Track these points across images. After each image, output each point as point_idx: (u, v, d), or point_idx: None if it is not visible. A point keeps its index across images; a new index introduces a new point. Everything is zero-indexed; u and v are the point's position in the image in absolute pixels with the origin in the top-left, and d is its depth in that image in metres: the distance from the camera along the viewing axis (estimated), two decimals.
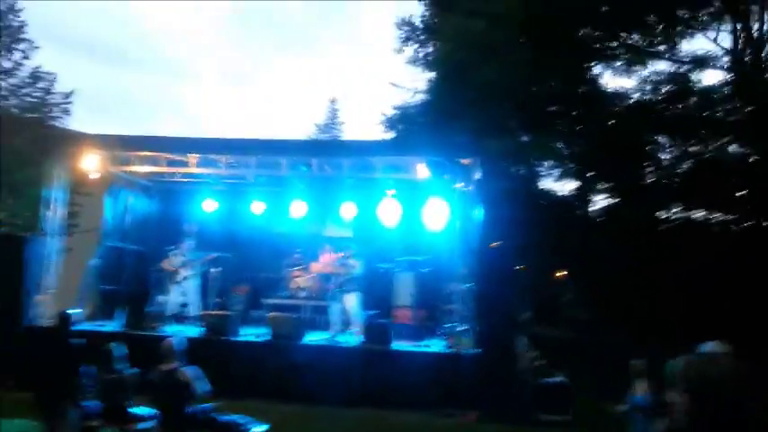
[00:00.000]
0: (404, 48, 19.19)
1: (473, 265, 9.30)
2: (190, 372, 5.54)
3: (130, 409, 5.97)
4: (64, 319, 5.62)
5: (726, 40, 14.29)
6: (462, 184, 9.35)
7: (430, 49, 18.88)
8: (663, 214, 16.92)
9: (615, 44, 14.89)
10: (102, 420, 5.83)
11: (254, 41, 66.10)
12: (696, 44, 14.61)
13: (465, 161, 9.22)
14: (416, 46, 19.36)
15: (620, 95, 16.03)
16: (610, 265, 15.31)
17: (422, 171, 10.07)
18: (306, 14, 64.98)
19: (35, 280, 9.99)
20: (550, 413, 8.39)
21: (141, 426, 5.91)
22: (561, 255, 16.74)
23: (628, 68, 15.49)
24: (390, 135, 16.87)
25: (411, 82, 18.84)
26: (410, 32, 19.33)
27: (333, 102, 34.73)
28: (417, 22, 19.19)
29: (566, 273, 20.34)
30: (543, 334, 11.46)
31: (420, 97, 18.39)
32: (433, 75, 18.31)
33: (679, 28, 14.02)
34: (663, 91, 15.21)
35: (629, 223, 15.75)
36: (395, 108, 18.74)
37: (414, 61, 19.17)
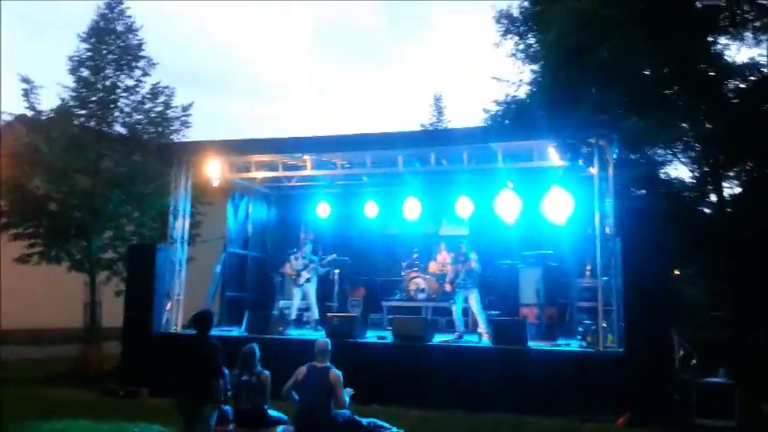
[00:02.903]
0: (503, 41, 18.57)
1: (609, 259, 8.59)
2: (339, 374, 5.37)
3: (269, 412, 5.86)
4: (205, 319, 5.55)
5: None
6: (596, 168, 8.66)
7: (531, 41, 18.16)
8: None
9: (742, 9, 13.55)
10: (235, 424, 5.73)
11: (338, 59, 67.14)
12: None
13: (601, 142, 8.54)
14: (516, 38, 18.68)
15: (749, 68, 14.62)
16: (745, 257, 13.97)
17: (547, 157, 9.48)
18: (382, 26, 65.05)
19: (165, 288, 10.26)
20: (711, 417, 7.53)
21: (280, 429, 5.76)
22: (691, 248, 15.44)
23: (758, 37, 14.10)
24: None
25: (514, 75, 18.21)
26: (509, 25, 18.67)
27: (437, 99, 31.08)
28: (516, 14, 18.55)
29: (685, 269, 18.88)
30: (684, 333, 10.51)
31: (525, 89, 17.72)
32: (535, 66, 17.64)
33: None
34: None
35: (758, 211, 14.35)
36: (498, 103, 18.18)
37: (514, 54, 18.51)
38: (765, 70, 14.49)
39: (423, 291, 11.69)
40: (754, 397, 8.44)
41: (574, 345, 8.97)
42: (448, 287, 10.06)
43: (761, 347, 12.75)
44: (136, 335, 9.81)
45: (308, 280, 11.00)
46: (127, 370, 9.65)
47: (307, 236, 12.85)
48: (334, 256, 11.52)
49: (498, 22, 18.59)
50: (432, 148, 10.35)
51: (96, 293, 12.16)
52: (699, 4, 14.16)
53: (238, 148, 10.94)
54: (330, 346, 5.80)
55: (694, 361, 8.34)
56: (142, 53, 12.96)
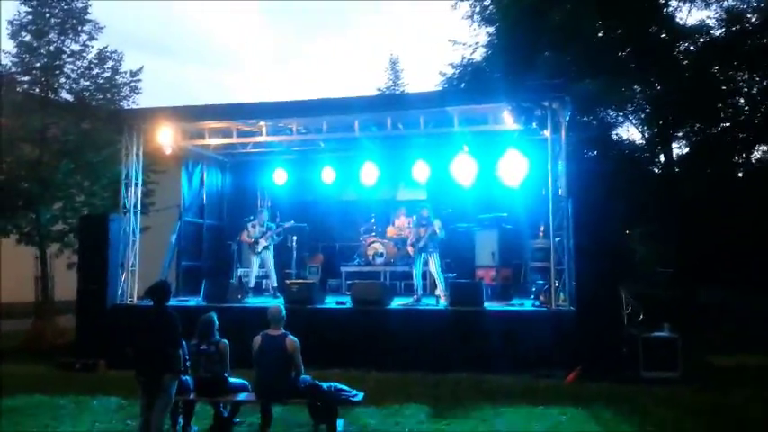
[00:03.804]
0: (460, 2, 18.49)
1: (561, 220, 8.79)
2: (296, 341, 5.39)
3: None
4: (163, 290, 5.49)
5: None
6: (549, 130, 8.78)
7: (487, 2, 18.12)
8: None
9: None
10: (196, 393, 5.75)
11: (291, 26, 65.60)
12: None
13: (554, 105, 8.63)
14: (472, 0, 18.61)
15: (698, 30, 14.94)
16: (692, 216, 14.49)
17: (502, 120, 9.56)
18: None
19: (119, 259, 10.08)
20: (656, 369, 7.88)
21: (241, 396, 5.80)
22: (640, 209, 15.90)
23: (707, 0, 14.40)
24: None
25: (471, 37, 18.19)
26: None
27: (394, 63, 31.00)
28: None
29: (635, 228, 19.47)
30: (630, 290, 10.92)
31: (481, 52, 17.74)
32: (491, 29, 17.65)
33: None
34: (749, 21, 14.05)
35: (707, 170, 14.86)
36: (454, 67, 18.19)
37: (471, 15, 18.47)
38: (715, 32, 14.87)
39: (381, 255, 11.78)
40: (696, 350, 8.90)
41: (528, 304, 9.22)
42: (410, 249, 10.11)
43: (703, 304, 13.38)
44: (90, 307, 9.61)
45: (265, 247, 10.96)
46: (82, 343, 9.48)
47: (263, 203, 12.74)
48: (292, 222, 11.46)
49: None
50: (388, 112, 10.27)
51: (47, 266, 11.84)
52: None
53: (191, 115, 10.65)
54: (284, 312, 5.76)
55: (641, 317, 8.66)
56: (88, 16, 12.39)
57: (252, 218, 11.21)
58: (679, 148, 16.49)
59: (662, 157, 15.94)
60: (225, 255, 12.46)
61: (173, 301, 9.68)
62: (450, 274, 10.75)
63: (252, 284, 11.06)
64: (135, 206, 10.54)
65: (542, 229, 10.32)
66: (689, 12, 14.89)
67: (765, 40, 13.92)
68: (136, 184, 10.58)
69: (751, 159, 16.37)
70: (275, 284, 10.94)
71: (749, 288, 14.46)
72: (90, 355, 9.07)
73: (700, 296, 13.86)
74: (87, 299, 9.68)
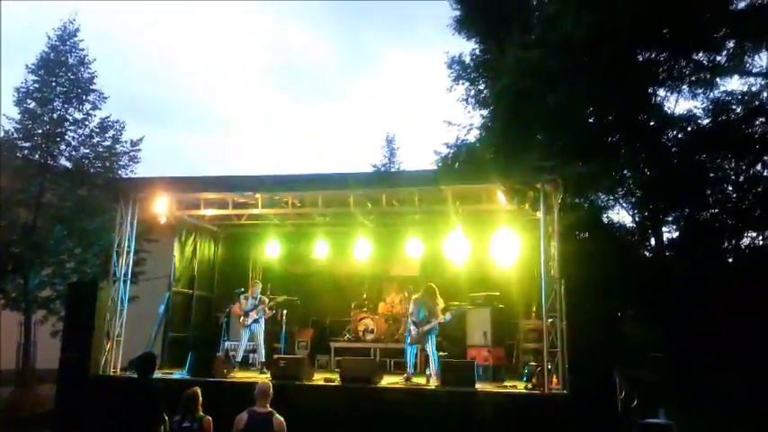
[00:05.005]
0: (455, 86, 19.05)
1: (554, 300, 8.76)
2: (282, 421, 5.24)
3: None
4: (148, 362, 5.38)
5: None
6: (542, 211, 8.90)
7: (482, 87, 18.70)
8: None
9: (679, 64, 14.36)
10: None
11: (289, 95, 67.69)
12: None
13: (547, 186, 8.79)
14: (467, 84, 19.20)
15: (686, 119, 15.42)
16: (683, 300, 14.47)
17: (496, 200, 9.69)
18: (333, 66, 66.12)
19: (105, 328, 9.90)
20: None
21: None
22: (632, 290, 15.89)
23: (694, 91, 14.93)
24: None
25: (465, 119, 18.64)
26: (461, 71, 19.19)
27: (390, 140, 31.18)
28: (468, 60, 19.09)
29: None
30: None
31: (475, 133, 18.15)
32: (485, 111, 18.14)
33: (749, 44, 13.42)
34: (734, 112, 14.54)
35: (696, 254, 14.94)
36: (449, 146, 18.53)
37: (465, 99, 18.99)
38: (701, 121, 15.35)
39: (371, 332, 11.64)
40: None
41: (520, 386, 9.03)
42: (414, 331, 9.85)
43: (697, 389, 13.12)
44: (72, 377, 9.34)
45: (256, 320, 10.80)
46: (61, 414, 9.18)
47: (256, 275, 12.69)
48: (285, 297, 11.37)
49: (450, 67, 19.12)
50: (383, 188, 10.42)
51: (31, 333, 11.61)
52: (640, 58, 14.98)
53: (188, 186, 10.75)
54: (271, 389, 5.65)
55: (635, 402, 8.49)
56: (93, 86, 12.76)
57: (243, 290, 11.11)
58: (669, 232, 16.67)
59: (653, 241, 16.06)
60: (213, 327, 12.27)
61: (157, 374, 9.51)
62: (442, 353, 10.57)
63: (239, 358, 10.84)
64: (125, 275, 10.44)
65: (534, 309, 10.26)
66: (676, 101, 15.37)
67: (750, 130, 14.34)
68: (128, 253, 10.52)
69: (740, 245, 16.54)
70: (263, 359, 10.71)
71: (748, 375, 14.24)
72: (68, 426, 8.75)
73: (692, 381, 13.61)
74: (69, 368, 9.43)
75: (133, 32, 62.20)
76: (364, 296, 12.25)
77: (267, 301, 11.02)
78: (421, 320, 9.70)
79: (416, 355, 10.15)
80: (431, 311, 9.69)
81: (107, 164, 12.24)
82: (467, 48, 19.10)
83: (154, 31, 63.05)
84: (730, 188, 15.60)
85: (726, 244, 16.18)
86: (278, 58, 67.53)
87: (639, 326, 19.63)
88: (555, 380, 8.56)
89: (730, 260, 16.64)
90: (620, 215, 16.72)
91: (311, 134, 66.46)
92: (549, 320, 8.81)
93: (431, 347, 9.68)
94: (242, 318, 10.81)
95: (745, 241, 16.49)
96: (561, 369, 8.46)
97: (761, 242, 15.90)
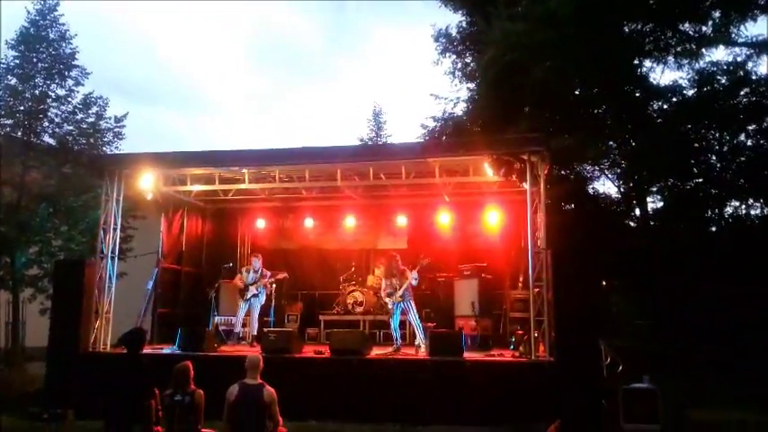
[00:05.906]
0: (442, 59, 18.98)
1: (540, 271, 8.86)
2: (273, 392, 5.29)
3: None
4: (137, 338, 5.39)
5: None
6: (528, 183, 8.95)
7: (468, 59, 18.63)
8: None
9: (666, 36, 14.38)
10: None
11: (276, 74, 66.88)
12: (758, 28, 14.00)
13: (533, 158, 8.82)
14: (454, 57, 19.14)
15: (671, 90, 15.49)
16: (666, 269, 14.69)
17: (483, 172, 9.73)
18: (320, 42, 65.29)
19: (93, 305, 9.89)
20: (637, 422, 7.83)
21: None
22: (617, 260, 16.10)
23: (680, 62, 14.97)
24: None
25: (452, 92, 18.61)
26: (447, 44, 19.10)
27: (377, 114, 30.58)
28: (454, 33, 18.97)
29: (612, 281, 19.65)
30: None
31: (462, 106, 18.13)
32: (472, 84, 18.11)
33: (736, 13, 13.45)
34: (719, 82, 14.62)
35: (681, 225, 15.15)
36: (436, 119, 18.53)
37: (452, 72, 18.95)
38: (687, 92, 15.42)
39: (360, 304, 11.74)
40: (676, 404, 8.85)
41: (507, 354, 9.18)
42: (387, 301, 10.03)
43: (680, 355, 13.40)
44: (61, 354, 9.32)
45: (255, 295, 10.82)
46: (51, 392, 9.16)
47: (246, 250, 12.70)
48: (286, 275, 11.38)
49: (437, 40, 19.07)
50: (371, 162, 10.40)
51: (20, 312, 11.59)
52: (626, 30, 14.98)
53: (174, 161, 10.63)
54: (262, 362, 5.67)
55: (620, 368, 8.66)
56: (75, 62, 12.53)
57: (231, 264, 11.10)
58: (654, 203, 16.84)
59: (637, 211, 16.24)
60: (202, 302, 12.29)
61: (147, 349, 9.55)
62: (430, 324, 10.70)
63: (238, 331, 10.90)
64: (112, 252, 10.40)
65: (521, 279, 10.38)
66: (662, 72, 15.46)
67: (734, 101, 14.44)
68: (114, 230, 10.45)
69: (723, 214, 16.77)
70: (255, 333, 10.78)
71: (730, 341, 14.54)
72: (59, 404, 8.77)
73: (674, 348, 13.89)
74: (58, 345, 9.40)
75: (117, 11, 60.97)
76: (353, 269, 12.31)
77: (269, 275, 11.01)
78: (393, 292, 9.79)
79: (404, 326, 10.26)
80: (399, 278, 9.75)
81: (91, 140, 12.11)
82: (453, 20, 18.98)
83: (138, 10, 61.75)
84: (714, 158, 15.78)
85: (709, 213, 16.43)
86: (263, 36, 66.60)
87: (624, 294, 19.99)
88: (541, 348, 8.69)
89: (713, 229, 16.95)
90: (606, 186, 16.91)
91: (298, 113, 65.93)
92: (536, 290, 8.92)
93: (413, 317, 9.78)
94: (242, 290, 10.79)
95: (729, 210, 16.78)
96: (547, 337, 8.59)
97: (743, 211, 16.19)
